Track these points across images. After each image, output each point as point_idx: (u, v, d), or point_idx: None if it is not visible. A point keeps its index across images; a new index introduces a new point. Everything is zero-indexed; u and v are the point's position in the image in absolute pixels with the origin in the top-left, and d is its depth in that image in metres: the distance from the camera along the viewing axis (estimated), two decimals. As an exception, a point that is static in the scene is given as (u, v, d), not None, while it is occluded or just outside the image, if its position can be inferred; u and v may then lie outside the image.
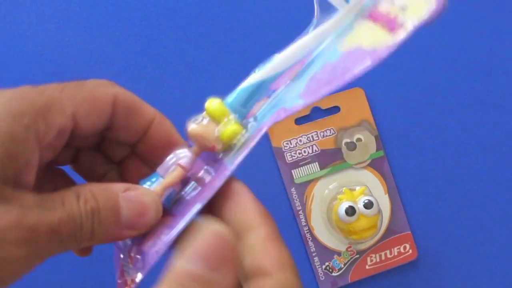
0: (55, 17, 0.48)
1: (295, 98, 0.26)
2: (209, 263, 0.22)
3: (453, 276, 0.47)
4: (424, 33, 0.50)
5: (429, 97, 0.48)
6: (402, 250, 0.46)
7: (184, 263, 0.22)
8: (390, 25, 0.24)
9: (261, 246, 0.24)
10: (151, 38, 0.48)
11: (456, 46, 0.49)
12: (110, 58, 0.48)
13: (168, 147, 0.29)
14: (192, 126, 0.27)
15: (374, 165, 0.47)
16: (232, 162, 0.26)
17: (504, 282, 0.47)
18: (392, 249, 0.46)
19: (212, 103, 0.27)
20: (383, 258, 0.46)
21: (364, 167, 0.47)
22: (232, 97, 0.27)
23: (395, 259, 0.46)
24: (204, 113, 0.27)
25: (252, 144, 0.26)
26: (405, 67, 0.49)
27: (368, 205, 0.44)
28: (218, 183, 0.26)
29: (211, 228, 0.23)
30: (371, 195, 0.45)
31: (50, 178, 0.30)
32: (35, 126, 0.24)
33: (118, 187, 0.26)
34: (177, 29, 0.48)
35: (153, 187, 0.28)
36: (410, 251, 0.46)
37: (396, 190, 0.47)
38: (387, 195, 0.47)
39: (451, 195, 0.47)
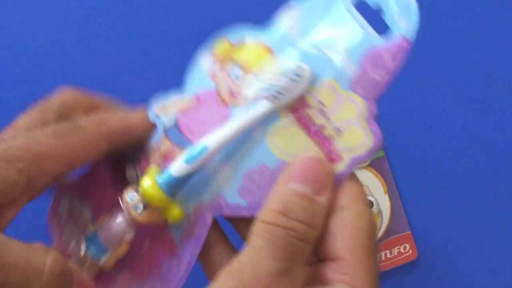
0: (55, 17, 0.48)
1: (234, 192, 0.27)
2: (313, 186, 0.25)
3: (453, 276, 0.47)
4: (424, 33, 0.50)
5: (429, 97, 0.48)
6: (402, 250, 0.46)
7: (290, 185, 0.25)
8: (329, 154, 0.26)
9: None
10: (152, 37, 0.48)
11: (456, 46, 0.49)
12: (110, 58, 0.47)
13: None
14: (138, 218, 0.27)
15: (374, 165, 0.47)
16: (181, 242, 0.28)
17: (504, 282, 0.47)
18: (392, 249, 0.46)
19: (148, 189, 0.27)
20: (383, 258, 0.46)
21: (364, 167, 0.47)
22: (164, 178, 0.27)
23: (395, 259, 0.46)
24: (139, 195, 0.27)
25: (202, 234, 0.27)
26: (405, 67, 0.49)
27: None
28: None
29: (309, 155, 0.26)
30: (371, 195, 0.45)
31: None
32: (28, 171, 0.26)
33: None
34: (177, 29, 0.48)
35: (102, 260, 0.28)
36: (410, 251, 0.46)
37: (396, 190, 0.47)
38: (387, 195, 0.47)
39: (451, 195, 0.47)
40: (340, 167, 0.26)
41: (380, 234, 0.46)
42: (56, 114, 0.30)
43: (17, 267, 0.24)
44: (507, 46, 0.49)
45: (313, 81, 0.27)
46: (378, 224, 0.45)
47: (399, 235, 0.46)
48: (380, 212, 0.45)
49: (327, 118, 0.26)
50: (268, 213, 0.25)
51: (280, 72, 0.26)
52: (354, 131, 0.26)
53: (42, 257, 0.25)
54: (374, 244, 0.26)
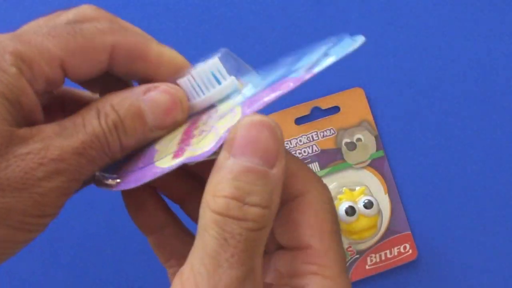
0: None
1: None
2: (266, 158, 0.22)
3: (453, 276, 0.47)
4: (424, 33, 0.50)
5: (429, 97, 0.48)
6: (402, 250, 0.46)
7: (239, 160, 0.22)
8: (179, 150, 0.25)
9: (292, 175, 0.25)
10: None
11: (456, 46, 0.49)
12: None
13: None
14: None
15: (374, 165, 0.47)
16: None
17: (504, 282, 0.47)
18: (392, 249, 0.46)
19: None
20: (383, 258, 0.46)
21: (364, 167, 0.47)
22: None
23: (395, 259, 0.46)
24: None
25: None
26: (405, 67, 0.49)
27: (368, 205, 0.44)
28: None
29: (252, 119, 0.22)
30: (371, 195, 0.45)
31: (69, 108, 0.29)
32: (22, 74, 0.24)
33: (137, 92, 0.25)
34: (178, 30, 0.48)
35: None
36: (410, 251, 0.46)
37: (396, 190, 0.47)
38: (387, 195, 0.47)
39: (451, 195, 0.47)
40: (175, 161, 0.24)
41: (380, 234, 0.46)
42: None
43: (89, 146, 0.24)
44: (507, 46, 0.49)
45: (227, 96, 0.26)
46: (378, 224, 0.45)
47: (399, 235, 0.46)
48: (380, 212, 0.45)
49: (210, 125, 0.25)
50: (217, 200, 0.21)
51: (203, 69, 0.26)
52: (210, 136, 0.24)
53: (97, 122, 0.24)
54: (337, 227, 0.25)
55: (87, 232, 0.46)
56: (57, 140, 0.23)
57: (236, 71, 0.27)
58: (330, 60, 0.23)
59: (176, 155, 0.24)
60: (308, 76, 0.23)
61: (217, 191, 0.22)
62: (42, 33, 0.25)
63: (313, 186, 0.25)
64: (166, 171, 0.24)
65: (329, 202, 0.25)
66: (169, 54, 0.27)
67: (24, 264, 0.45)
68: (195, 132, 0.25)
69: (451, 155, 0.48)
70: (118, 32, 0.26)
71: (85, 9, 0.27)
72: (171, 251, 0.29)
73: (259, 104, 0.23)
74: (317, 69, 0.23)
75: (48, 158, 0.23)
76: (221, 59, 0.26)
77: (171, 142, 0.26)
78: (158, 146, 0.26)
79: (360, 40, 0.24)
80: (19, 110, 0.24)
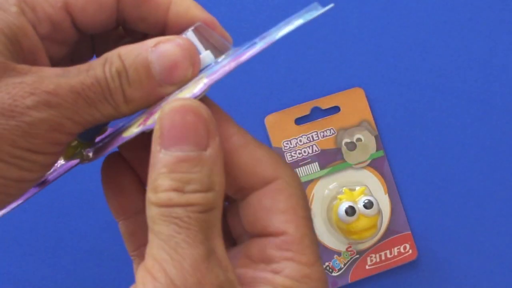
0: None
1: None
2: (197, 143, 0.22)
3: (453, 276, 0.47)
4: (424, 33, 0.50)
5: (429, 97, 0.48)
6: (402, 250, 0.46)
7: (170, 152, 0.21)
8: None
9: (260, 161, 0.24)
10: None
11: (456, 45, 0.49)
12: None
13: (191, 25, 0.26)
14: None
15: (374, 165, 0.47)
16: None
17: (504, 282, 0.47)
18: (392, 249, 0.46)
19: None
20: (383, 258, 0.46)
21: (364, 167, 0.47)
22: None
23: (395, 259, 0.46)
24: None
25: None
26: (405, 67, 0.49)
27: (368, 205, 0.44)
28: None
29: (174, 106, 0.22)
30: (371, 195, 0.45)
31: None
32: (25, 15, 0.23)
33: (147, 44, 0.24)
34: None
35: None
36: (410, 251, 0.46)
37: (396, 190, 0.47)
38: (387, 195, 0.47)
39: (451, 195, 0.47)
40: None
41: (380, 234, 0.46)
42: None
43: (89, 88, 0.23)
44: (508, 46, 0.49)
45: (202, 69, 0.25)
46: (378, 224, 0.45)
47: (399, 235, 0.46)
48: (380, 212, 0.45)
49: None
50: (158, 195, 0.21)
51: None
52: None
53: (101, 67, 0.24)
54: (309, 212, 0.24)
55: (87, 232, 0.46)
56: (54, 78, 0.23)
57: (214, 46, 0.26)
58: (296, 23, 0.23)
59: (140, 124, 0.24)
60: (270, 41, 0.23)
61: (157, 187, 0.21)
62: None
63: (283, 172, 0.24)
64: (126, 139, 0.24)
65: (300, 187, 0.24)
66: (180, 2, 0.26)
67: (24, 264, 0.45)
68: (164, 102, 0.24)
69: (451, 155, 0.48)
70: None
71: None
72: (142, 239, 0.28)
73: (218, 74, 0.23)
74: (280, 34, 0.23)
75: (40, 89, 0.22)
76: (196, 33, 0.25)
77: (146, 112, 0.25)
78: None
79: (328, 5, 0.24)
80: (18, 49, 0.23)
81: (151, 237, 0.22)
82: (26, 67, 0.23)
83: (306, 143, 0.47)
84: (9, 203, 0.24)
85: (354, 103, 0.47)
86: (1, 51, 0.22)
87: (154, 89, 0.24)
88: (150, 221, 0.22)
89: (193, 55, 0.24)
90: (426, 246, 0.47)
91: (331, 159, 0.47)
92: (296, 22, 0.23)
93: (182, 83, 0.24)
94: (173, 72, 0.24)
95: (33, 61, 0.24)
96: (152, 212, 0.22)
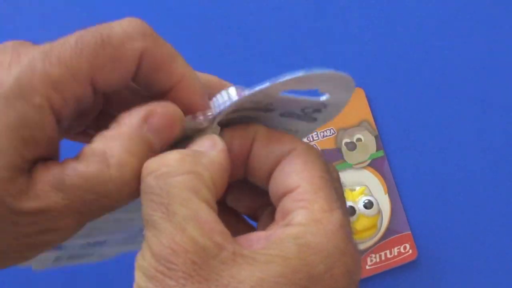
0: (56, 18, 0.48)
1: None
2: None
3: (453, 276, 0.47)
4: (424, 33, 0.50)
5: (429, 97, 0.48)
6: (402, 250, 0.46)
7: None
8: None
9: (278, 141, 0.25)
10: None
11: (456, 45, 0.49)
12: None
13: (189, 109, 0.26)
14: None
15: (374, 165, 0.47)
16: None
17: (504, 282, 0.47)
18: (392, 249, 0.46)
19: None
20: (383, 258, 0.46)
21: (364, 167, 0.47)
22: None
23: (395, 259, 0.46)
24: None
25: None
26: (405, 67, 0.49)
27: (368, 205, 0.44)
28: None
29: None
30: (371, 195, 0.45)
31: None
32: (49, 104, 0.22)
33: (138, 123, 0.24)
34: (180, 30, 0.48)
35: None
36: (410, 251, 0.46)
37: (396, 190, 0.47)
38: (387, 195, 0.47)
39: (451, 195, 0.47)
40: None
41: (380, 234, 0.46)
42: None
43: (91, 189, 0.23)
44: (508, 46, 0.49)
45: None
46: (378, 224, 0.45)
47: (399, 235, 0.46)
48: (380, 212, 0.45)
49: None
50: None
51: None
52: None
53: (101, 164, 0.24)
54: (330, 175, 0.24)
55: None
56: (53, 197, 0.22)
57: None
58: (295, 74, 0.23)
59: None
60: (264, 86, 0.24)
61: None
62: (70, 46, 0.23)
63: (299, 143, 0.25)
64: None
65: (317, 154, 0.25)
66: (190, 75, 0.26)
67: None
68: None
69: (451, 155, 0.48)
70: (148, 38, 0.24)
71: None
72: None
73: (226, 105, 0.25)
74: (280, 80, 0.23)
75: (46, 212, 0.22)
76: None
77: None
78: None
79: (346, 80, 0.25)
80: (32, 149, 0.22)
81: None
82: (24, 185, 0.22)
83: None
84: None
85: (354, 103, 0.47)
86: (13, 163, 0.21)
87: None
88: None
89: (181, 119, 0.25)
90: (426, 246, 0.47)
91: (331, 159, 0.47)
92: (296, 74, 0.24)
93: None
94: (168, 139, 0.24)
95: (44, 153, 0.23)
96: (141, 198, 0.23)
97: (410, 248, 0.46)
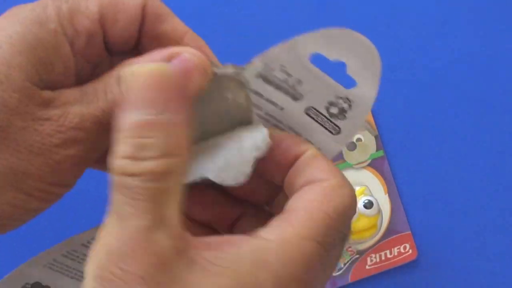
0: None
1: None
2: (156, 103, 0.20)
3: (453, 276, 0.47)
4: (424, 33, 0.50)
5: (429, 97, 0.48)
6: (402, 250, 0.46)
7: (129, 117, 0.20)
8: None
9: (313, 162, 0.24)
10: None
11: (456, 45, 0.49)
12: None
13: None
14: None
15: (374, 165, 0.47)
16: None
17: (504, 282, 0.47)
18: (392, 249, 0.46)
19: None
20: (383, 258, 0.46)
21: (364, 167, 0.47)
22: None
23: (395, 259, 0.46)
24: None
25: None
26: (405, 67, 0.49)
27: (368, 205, 0.44)
28: None
29: (139, 69, 0.21)
30: (371, 195, 0.45)
31: None
32: (62, 30, 0.23)
33: (160, 58, 0.23)
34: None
35: None
36: (410, 251, 0.46)
37: (396, 190, 0.47)
38: (387, 195, 0.47)
39: (451, 195, 0.47)
40: None
41: (380, 234, 0.46)
42: None
43: (108, 117, 0.23)
44: (508, 46, 0.49)
45: None
46: (378, 224, 0.45)
47: (399, 235, 0.46)
48: (380, 212, 0.45)
49: None
50: (115, 161, 0.20)
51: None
52: None
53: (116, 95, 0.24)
54: (341, 217, 0.22)
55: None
56: (77, 107, 0.23)
57: None
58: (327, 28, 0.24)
59: None
60: None
61: (116, 153, 0.20)
62: None
63: (334, 176, 0.23)
64: None
65: (347, 195, 0.23)
66: (191, 34, 0.27)
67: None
68: None
69: (451, 155, 0.48)
70: None
71: None
72: None
73: None
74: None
75: (66, 126, 0.22)
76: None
77: None
78: None
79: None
80: (48, 70, 0.23)
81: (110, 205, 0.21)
82: (50, 94, 0.23)
83: (306, 143, 0.47)
84: (16, 227, 0.25)
85: (354, 103, 0.47)
86: (29, 74, 0.22)
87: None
88: (111, 187, 0.21)
89: (206, 68, 0.24)
90: (426, 246, 0.47)
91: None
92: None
93: (197, 92, 0.24)
94: (188, 86, 0.23)
95: (61, 81, 0.24)
96: (112, 178, 0.21)
97: (410, 248, 0.46)
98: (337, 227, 0.22)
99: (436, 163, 0.48)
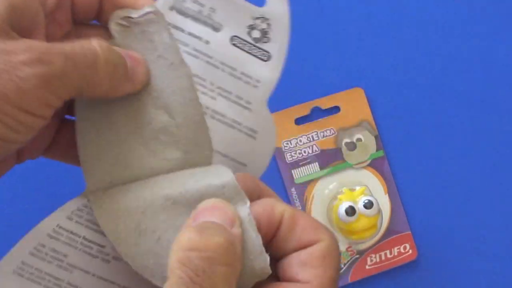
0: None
1: None
2: (224, 219, 0.24)
3: (453, 276, 0.47)
4: (424, 33, 0.50)
5: (429, 97, 0.48)
6: (402, 250, 0.46)
7: (200, 218, 0.24)
8: None
9: (296, 224, 0.26)
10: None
11: (456, 45, 0.49)
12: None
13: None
14: None
15: (374, 165, 0.47)
16: None
17: (504, 282, 0.47)
18: (392, 249, 0.46)
19: None
20: (383, 258, 0.46)
21: (364, 167, 0.47)
22: None
23: (395, 259, 0.46)
24: None
25: None
26: (405, 67, 0.49)
27: (368, 205, 0.44)
28: None
29: (214, 199, 0.25)
30: (371, 195, 0.45)
31: None
32: None
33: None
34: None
35: None
36: (410, 251, 0.46)
37: (396, 190, 0.47)
38: (387, 195, 0.47)
39: (451, 195, 0.47)
40: None
41: (380, 234, 0.46)
42: None
43: (77, 55, 0.24)
44: (508, 46, 0.49)
45: None
46: (378, 224, 0.45)
47: (399, 235, 0.46)
48: (380, 212, 0.45)
49: None
50: (179, 242, 0.24)
51: None
52: None
53: (89, 42, 0.25)
54: (338, 275, 0.26)
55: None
56: (48, 44, 0.24)
57: None
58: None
59: None
60: None
61: (180, 237, 0.24)
62: None
63: (326, 235, 0.26)
64: None
65: (337, 250, 0.26)
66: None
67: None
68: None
69: (451, 155, 0.48)
70: None
71: None
72: None
73: None
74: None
75: (34, 48, 0.23)
76: None
77: None
78: None
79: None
80: (18, 18, 0.24)
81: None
82: (21, 37, 0.24)
83: (306, 143, 0.47)
84: None
85: (354, 103, 0.47)
86: (3, 16, 0.23)
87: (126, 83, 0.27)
88: (169, 271, 0.23)
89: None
90: (426, 246, 0.47)
91: (331, 159, 0.47)
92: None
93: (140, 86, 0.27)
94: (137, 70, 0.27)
95: (30, 35, 0.25)
96: (171, 259, 0.23)
97: (410, 248, 0.46)
98: (336, 280, 0.26)
99: (436, 163, 0.48)
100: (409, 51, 0.49)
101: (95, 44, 0.25)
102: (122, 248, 0.25)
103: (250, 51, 0.28)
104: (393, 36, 0.49)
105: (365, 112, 0.47)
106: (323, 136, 0.47)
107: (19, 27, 0.24)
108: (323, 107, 0.47)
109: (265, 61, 0.28)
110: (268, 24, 0.28)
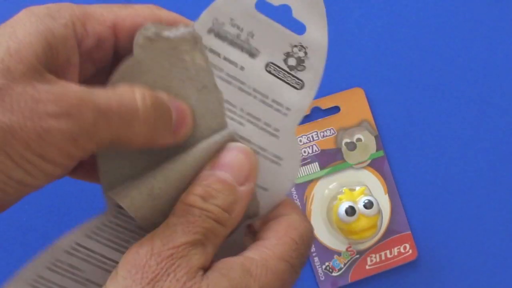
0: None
1: None
2: (237, 176, 0.26)
3: (453, 276, 0.47)
4: (424, 33, 0.50)
5: (429, 97, 0.48)
6: (402, 250, 0.46)
7: (216, 172, 0.26)
8: None
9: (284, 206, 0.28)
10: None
11: (456, 45, 0.49)
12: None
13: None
14: None
15: (374, 165, 0.47)
16: None
17: (504, 282, 0.47)
18: (392, 249, 0.46)
19: None
20: (383, 258, 0.46)
21: (364, 167, 0.47)
22: None
23: (395, 259, 0.46)
24: None
25: None
26: (405, 67, 0.49)
27: (368, 205, 0.44)
28: None
29: (238, 146, 0.26)
30: (371, 195, 0.45)
31: None
32: (73, 27, 0.25)
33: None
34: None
35: None
36: (410, 251, 0.46)
37: (396, 190, 0.47)
38: (387, 195, 0.47)
39: (451, 195, 0.47)
40: None
41: (380, 234, 0.46)
42: None
43: (112, 110, 0.23)
44: (508, 46, 0.49)
45: None
46: (378, 224, 0.45)
47: (399, 235, 0.46)
48: (380, 212, 0.45)
49: None
50: (188, 195, 0.25)
51: None
52: None
53: (131, 94, 0.24)
54: (303, 247, 0.27)
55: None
56: (79, 92, 0.23)
57: None
58: None
59: None
60: None
61: (191, 190, 0.25)
62: (95, 5, 0.27)
63: (295, 212, 0.28)
64: None
65: (306, 225, 0.28)
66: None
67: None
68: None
69: (451, 155, 0.48)
70: (163, 10, 0.28)
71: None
72: None
73: None
74: None
75: (64, 100, 0.22)
76: None
77: None
78: None
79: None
80: (54, 57, 0.24)
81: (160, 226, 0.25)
82: (54, 78, 0.23)
83: (306, 143, 0.47)
84: (4, 201, 0.24)
85: (354, 103, 0.47)
86: (37, 54, 0.23)
87: (168, 135, 0.26)
88: (170, 214, 0.25)
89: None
90: (426, 246, 0.47)
91: (331, 159, 0.47)
92: None
93: (182, 139, 0.27)
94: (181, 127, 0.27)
95: (63, 74, 0.25)
96: (176, 207, 0.25)
97: (410, 248, 0.46)
98: (301, 252, 0.27)
99: (436, 163, 0.48)
100: (409, 51, 0.49)
101: (137, 96, 0.24)
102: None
103: (284, 79, 0.27)
104: (393, 36, 0.49)
105: (365, 112, 0.47)
106: (323, 136, 0.47)
107: (54, 66, 0.24)
108: (323, 107, 0.47)
109: (298, 89, 0.28)
110: (306, 53, 0.27)
